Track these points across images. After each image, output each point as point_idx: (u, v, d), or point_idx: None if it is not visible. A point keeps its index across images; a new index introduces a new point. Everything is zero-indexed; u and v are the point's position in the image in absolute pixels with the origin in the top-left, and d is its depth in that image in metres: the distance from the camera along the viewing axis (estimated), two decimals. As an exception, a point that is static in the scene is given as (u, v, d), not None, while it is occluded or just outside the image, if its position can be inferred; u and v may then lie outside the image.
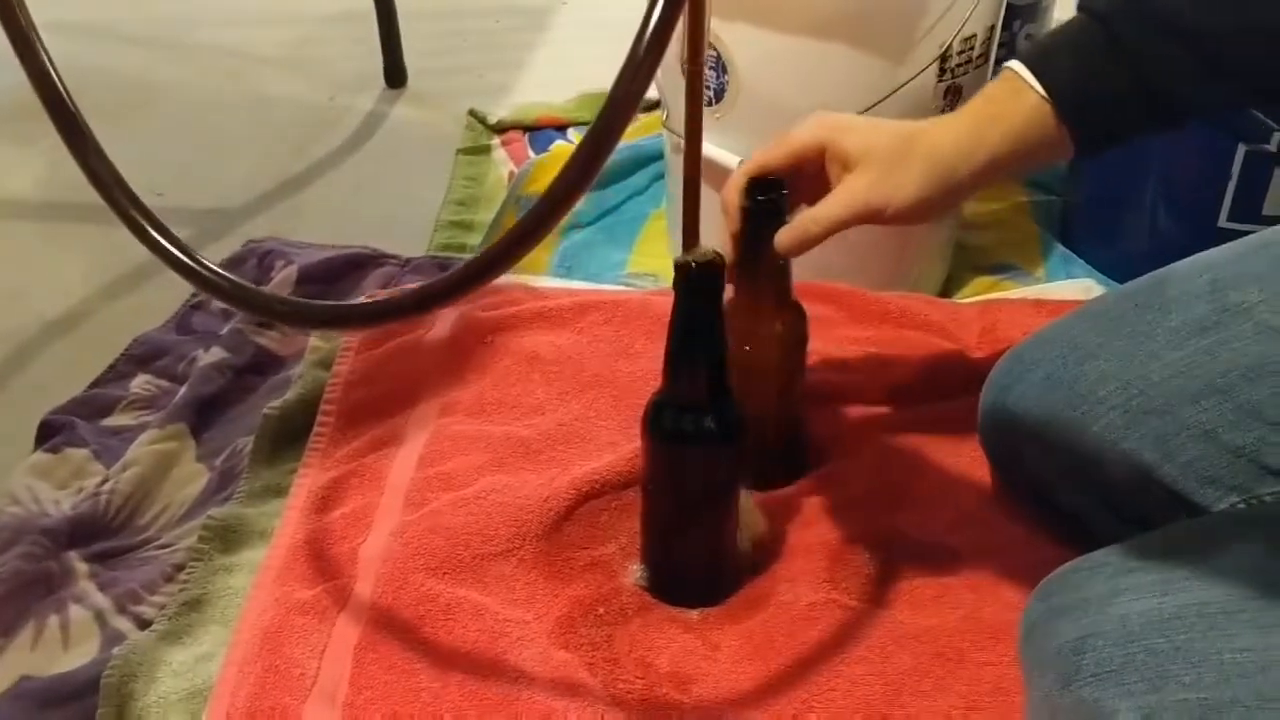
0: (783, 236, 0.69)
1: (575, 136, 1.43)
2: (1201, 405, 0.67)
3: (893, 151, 0.67)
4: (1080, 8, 0.66)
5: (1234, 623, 0.52)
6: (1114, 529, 0.71)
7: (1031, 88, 0.65)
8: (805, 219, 0.68)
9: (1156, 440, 0.68)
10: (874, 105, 0.88)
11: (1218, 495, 0.66)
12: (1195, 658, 0.52)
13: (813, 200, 0.70)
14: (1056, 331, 0.76)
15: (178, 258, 0.59)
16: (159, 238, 0.60)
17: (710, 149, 0.96)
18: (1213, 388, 0.67)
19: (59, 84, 0.59)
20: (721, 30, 0.89)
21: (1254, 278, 0.69)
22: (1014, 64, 0.66)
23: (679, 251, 0.65)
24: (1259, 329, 0.67)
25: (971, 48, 0.91)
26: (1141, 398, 0.69)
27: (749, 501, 0.77)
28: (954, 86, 0.92)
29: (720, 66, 0.91)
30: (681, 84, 0.97)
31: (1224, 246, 0.73)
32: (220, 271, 0.60)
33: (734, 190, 0.70)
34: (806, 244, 0.69)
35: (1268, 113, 0.95)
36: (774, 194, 0.69)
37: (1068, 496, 0.74)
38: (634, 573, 0.76)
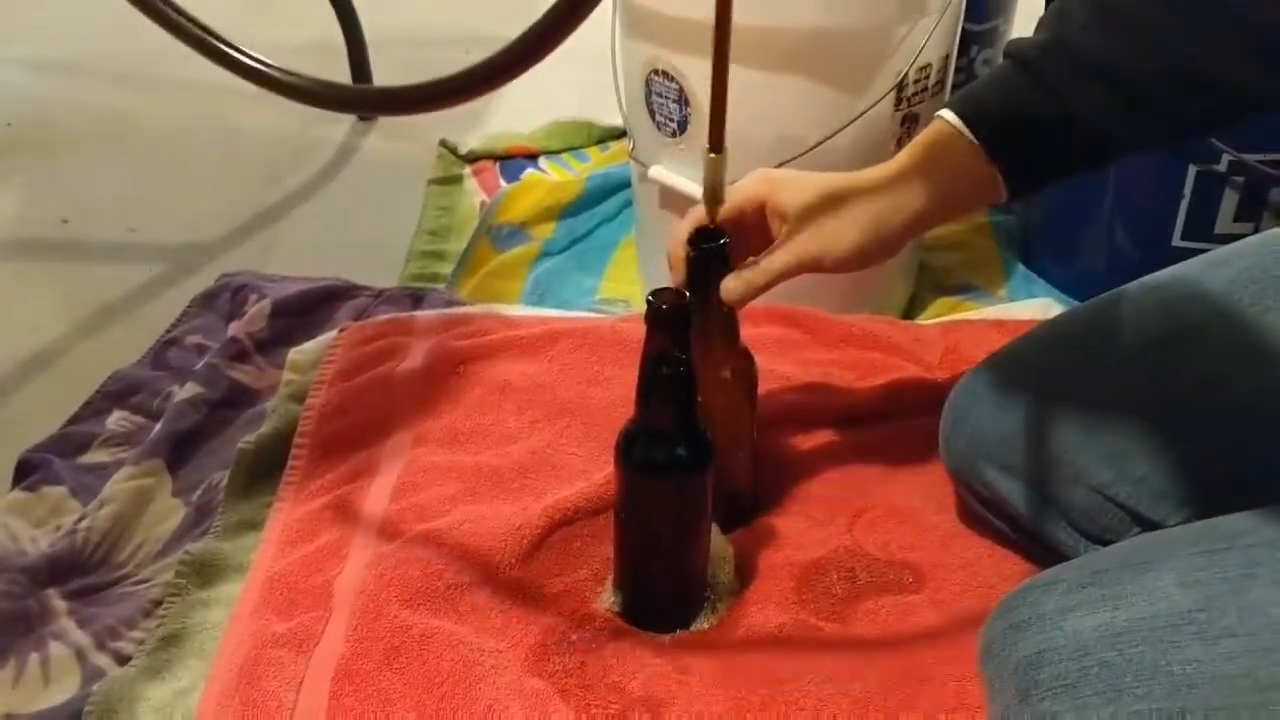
0: (729, 285, 0.72)
1: (546, 165, 1.45)
2: (1152, 423, 0.69)
3: (829, 204, 0.70)
4: (1005, 54, 0.68)
5: (1181, 635, 0.53)
6: (1074, 545, 0.73)
7: (962, 133, 0.68)
8: (750, 269, 0.72)
9: (1110, 457, 0.70)
10: (832, 135, 0.90)
11: (1170, 510, 0.68)
12: (1147, 670, 0.53)
13: (756, 252, 0.73)
14: (1013, 352, 0.78)
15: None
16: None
17: (674, 178, 0.98)
18: (1163, 405, 0.69)
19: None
20: (683, 65, 0.91)
21: (1202, 297, 0.71)
22: (944, 112, 0.69)
23: (649, 278, 0.66)
24: (1207, 348, 0.69)
25: (927, 76, 0.94)
26: (1094, 416, 0.71)
27: (715, 530, 0.79)
28: (911, 115, 0.94)
29: (682, 99, 0.93)
30: (645, 118, 0.99)
31: (1174, 267, 0.75)
32: (272, 63, 0.59)
33: (679, 243, 0.72)
34: (751, 293, 0.72)
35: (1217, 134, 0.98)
36: (718, 242, 0.71)
37: (1028, 513, 0.76)
38: (606, 599, 0.77)
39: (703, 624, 0.75)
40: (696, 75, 0.91)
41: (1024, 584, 0.64)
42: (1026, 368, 0.76)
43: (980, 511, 0.80)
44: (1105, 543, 0.69)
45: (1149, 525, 0.69)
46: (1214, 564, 0.56)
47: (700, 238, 0.71)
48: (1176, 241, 1.04)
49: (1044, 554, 0.75)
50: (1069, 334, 0.77)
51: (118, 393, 1.05)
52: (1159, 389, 0.70)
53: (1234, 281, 0.71)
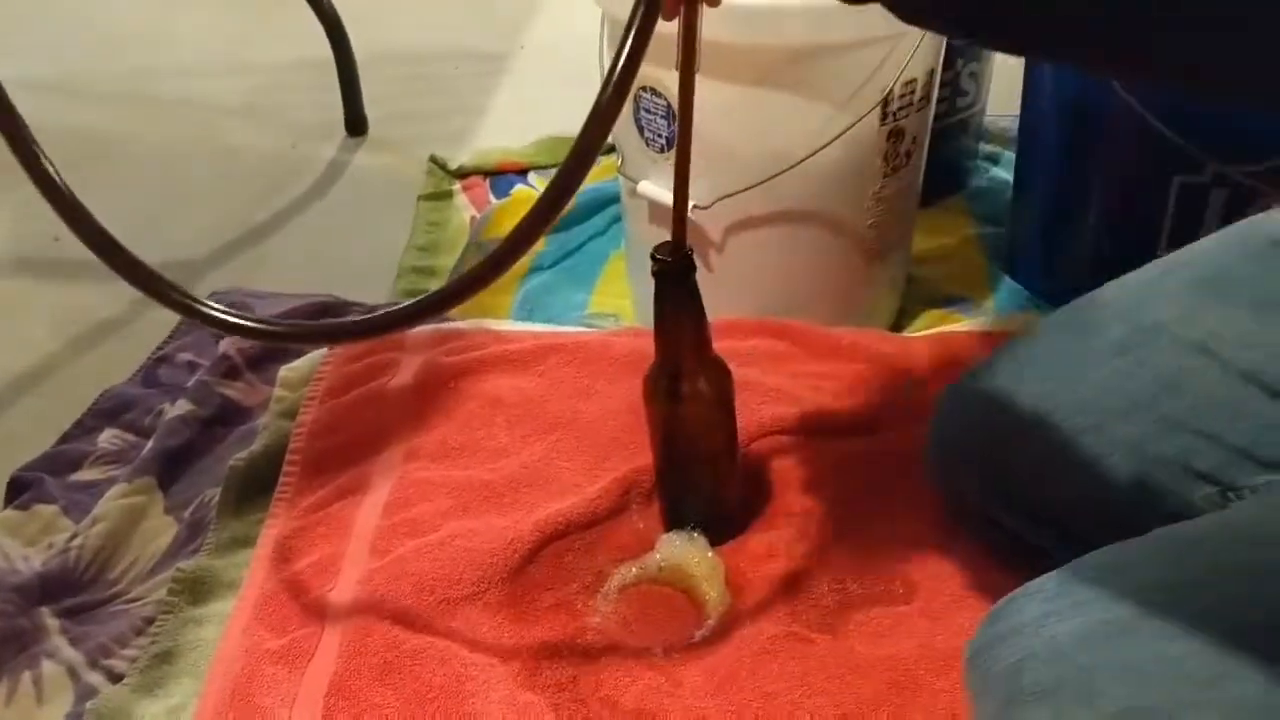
0: None
1: (536, 180, 1.45)
2: (1127, 421, 0.71)
3: None
4: None
5: (1148, 633, 0.55)
6: (1058, 548, 0.74)
7: None
8: None
9: (1089, 459, 0.71)
10: (818, 150, 0.91)
11: (1153, 505, 0.70)
12: (1117, 671, 0.54)
13: None
14: (991, 363, 0.79)
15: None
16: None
17: (662, 193, 0.99)
18: (1136, 404, 0.71)
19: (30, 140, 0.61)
20: (671, 81, 0.92)
21: (1166, 296, 0.73)
22: None
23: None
24: (1173, 344, 0.71)
25: (913, 91, 0.94)
26: (1071, 420, 0.72)
27: (705, 544, 0.79)
28: (897, 129, 0.95)
29: (670, 115, 0.93)
30: (634, 133, 1.00)
31: (1139, 270, 0.77)
32: (216, 305, 0.62)
33: None
34: None
35: (1199, 143, 0.99)
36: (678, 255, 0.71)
37: (1012, 521, 0.76)
38: (600, 608, 0.77)
39: (695, 637, 0.76)
40: (684, 91, 0.92)
41: (1009, 596, 0.64)
42: (1003, 377, 0.77)
43: (964, 521, 0.81)
44: (1092, 545, 0.70)
45: (1131, 523, 0.70)
46: (1180, 563, 0.58)
47: (661, 250, 0.72)
48: (1162, 252, 1.04)
49: (1033, 561, 0.75)
50: (1042, 342, 0.78)
51: (109, 410, 1.05)
52: (1129, 388, 0.71)
53: (1191, 280, 0.72)
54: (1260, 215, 0.77)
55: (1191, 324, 0.70)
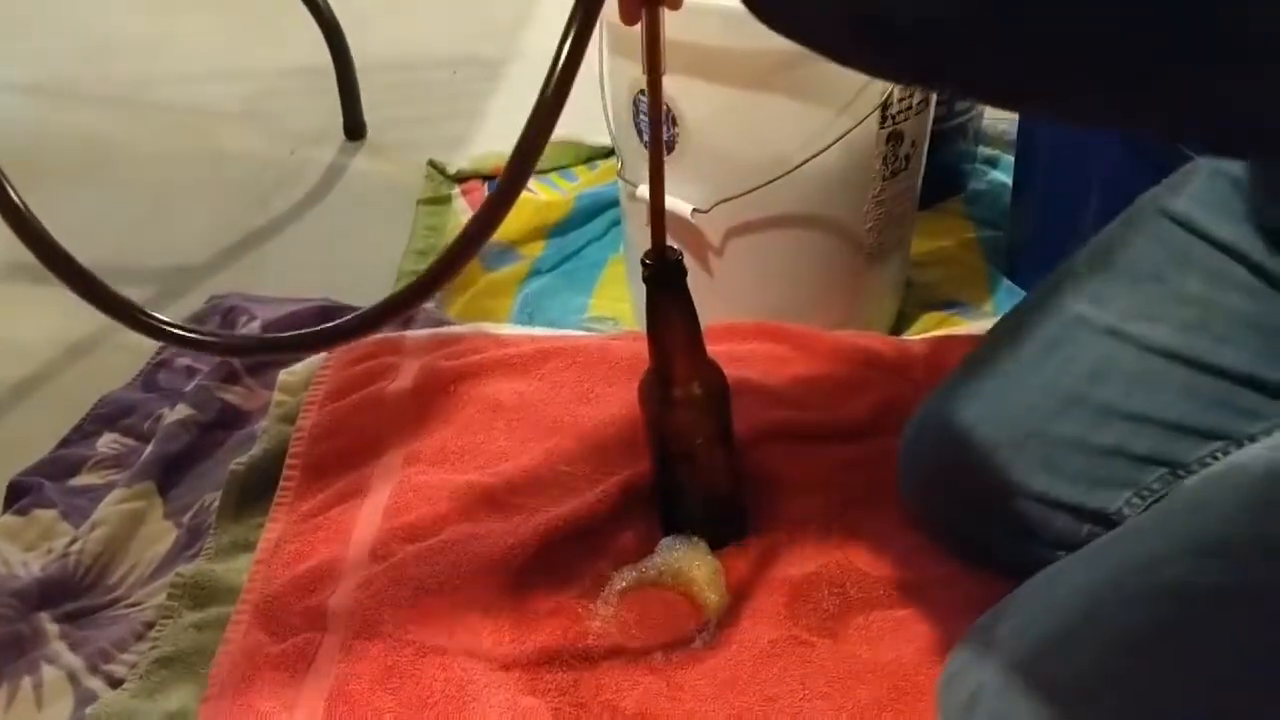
0: None
1: (534, 184, 1.45)
2: (1064, 420, 0.72)
3: None
4: None
5: (1075, 645, 0.56)
6: (1038, 557, 0.74)
7: None
8: None
9: (1040, 462, 0.72)
10: (818, 154, 0.91)
11: (1110, 495, 0.71)
12: (1058, 686, 0.55)
13: None
14: (950, 381, 0.79)
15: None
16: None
17: (663, 197, 0.99)
18: (1070, 399, 0.72)
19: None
20: (669, 85, 0.92)
21: (1081, 286, 0.74)
22: None
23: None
24: (1093, 333, 0.72)
25: (912, 95, 0.94)
26: (1016, 427, 0.73)
27: (705, 547, 0.80)
28: (896, 132, 0.95)
29: (670, 119, 0.93)
30: (633, 137, 1.00)
31: (1063, 264, 0.77)
32: (179, 323, 0.62)
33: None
34: None
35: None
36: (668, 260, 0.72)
37: (988, 538, 0.77)
38: (602, 614, 0.77)
39: (696, 641, 0.76)
40: (684, 95, 0.92)
41: (965, 637, 0.65)
42: (954, 396, 0.78)
43: (942, 542, 0.81)
44: (1069, 548, 0.70)
45: (1096, 516, 0.71)
46: (1100, 567, 0.59)
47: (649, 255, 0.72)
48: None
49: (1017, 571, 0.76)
50: (985, 356, 0.78)
51: (108, 415, 1.05)
52: (1061, 384, 0.72)
53: (1098, 265, 0.74)
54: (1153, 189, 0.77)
55: (1102, 309, 0.72)
